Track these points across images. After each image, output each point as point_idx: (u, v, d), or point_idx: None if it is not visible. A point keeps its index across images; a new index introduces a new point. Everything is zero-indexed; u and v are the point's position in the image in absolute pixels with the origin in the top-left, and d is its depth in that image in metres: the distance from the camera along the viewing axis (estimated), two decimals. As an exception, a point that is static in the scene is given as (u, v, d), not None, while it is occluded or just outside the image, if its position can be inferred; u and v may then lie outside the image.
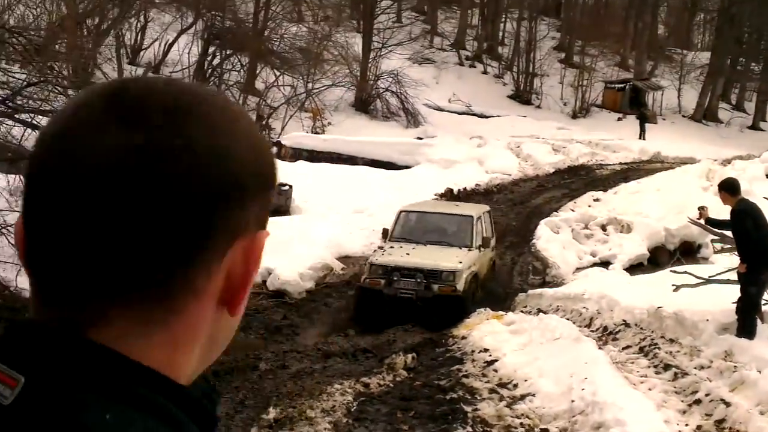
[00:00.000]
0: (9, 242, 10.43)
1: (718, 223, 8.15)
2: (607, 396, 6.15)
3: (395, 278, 11.02)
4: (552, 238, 16.43)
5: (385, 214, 17.94)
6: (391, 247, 12.04)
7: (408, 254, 11.53)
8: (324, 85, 29.71)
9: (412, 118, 32.89)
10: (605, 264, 15.62)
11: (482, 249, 12.21)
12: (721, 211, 8.00)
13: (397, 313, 10.92)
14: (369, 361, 8.58)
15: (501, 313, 10.36)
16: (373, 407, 6.95)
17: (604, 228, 17.28)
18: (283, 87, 28.61)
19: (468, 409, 6.57)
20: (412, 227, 12.80)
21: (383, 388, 7.55)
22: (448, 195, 20.30)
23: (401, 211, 13.11)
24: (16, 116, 9.41)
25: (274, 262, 13.36)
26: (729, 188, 7.82)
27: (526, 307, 11.44)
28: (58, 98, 9.84)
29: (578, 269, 15.21)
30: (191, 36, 28.09)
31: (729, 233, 8.20)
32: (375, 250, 12.77)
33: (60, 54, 12.84)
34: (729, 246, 8.99)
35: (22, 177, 11.05)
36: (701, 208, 8.20)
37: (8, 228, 10.42)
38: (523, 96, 40.04)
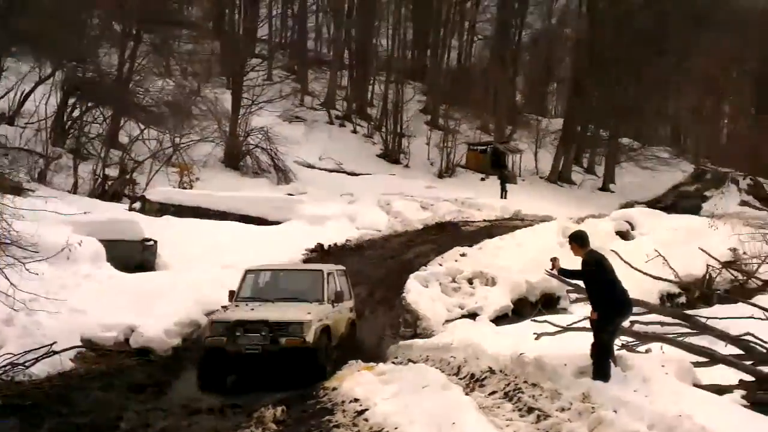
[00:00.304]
0: None
1: (570, 273, 8.58)
2: (475, 440, 6.27)
3: (238, 334, 10.43)
4: (421, 292, 16.76)
5: (256, 270, 17.74)
6: (236, 306, 11.51)
7: (253, 310, 11.08)
8: (192, 140, 29.26)
9: (283, 175, 32.91)
10: (473, 315, 16.10)
11: (336, 304, 11.78)
12: (574, 262, 8.45)
13: (245, 371, 10.54)
14: (237, 417, 8.36)
15: (372, 364, 10.42)
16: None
17: (470, 281, 17.84)
18: (149, 141, 27.94)
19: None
20: (259, 287, 12.42)
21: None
22: (319, 250, 20.35)
23: (247, 271, 12.57)
24: None
25: (138, 320, 12.86)
26: (578, 240, 8.29)
27: (397, 358, 11.56)
28: None
29: (447, 321, 15.57)
30: (49, 86, 27.01)
31: (581, 283, 8.65)
32: (217, 310, 12.15)
33: None
34: (583, 296, 9.49)
35: None
36: (553, 260, 8.62)
37: None
38: (391, 155, 41.04)
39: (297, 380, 10.09)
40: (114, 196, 25.00)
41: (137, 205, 21.91)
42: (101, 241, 15.66)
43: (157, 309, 13.48)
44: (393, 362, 10.98)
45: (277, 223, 22.67)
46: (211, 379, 10.64)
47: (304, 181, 32.86)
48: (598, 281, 7.95)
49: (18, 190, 20.57)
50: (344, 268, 13.65)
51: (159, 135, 28.12)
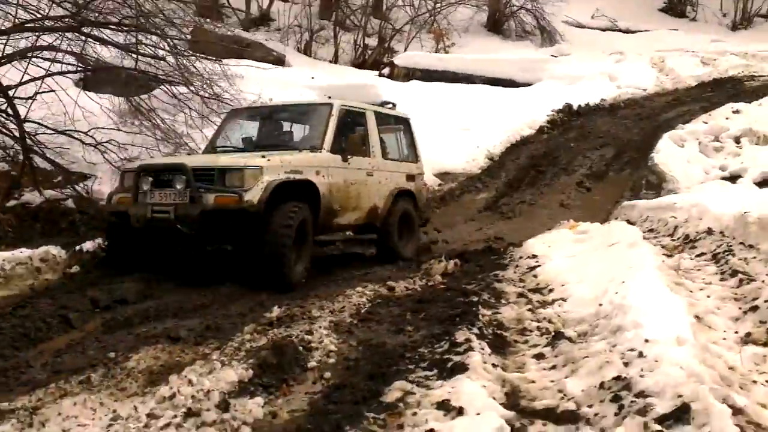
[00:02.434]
0: (104, 158, 10.78)
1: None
2: (635, 299, 5.34)
3: (145, 188, 7.21)
4: (674, 152, 14.97)
5: (495, 132, 17.14)
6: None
7: (190, 155, 8.45)
8: (450, 4, 28.60)
9: (548, 36, 31.06)
10: (734, 178, 14.01)
11: (350, 157, 8.36)
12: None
13: (154, 250, 7.56)
14: (413, 267, 8.19)
15: (576, 223, 9.48)
16: (385, 309, 6.51)
17: (737, 140, 15.50)
18: (408, 7, 27.85)
19: (487, 312, 5.96)
20: (241, 133, 9.14)
21: (408, 292, 7.09)
22: (566, 111, 19.02)
23: (230, 113, 9.57)
24: (84, 29, 9.55)
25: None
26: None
27: (617, 218, 10.44)
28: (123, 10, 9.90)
29: (701, 183, 13.74)
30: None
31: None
32: None
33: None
34: None
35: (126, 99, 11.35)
36: None
37: (104, 145, 10.77)
38: (676, 8, 36.71)
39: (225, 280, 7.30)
40: (373, 65, 25.54)
41: (386, 71, 22.10)
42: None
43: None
44: (609, 222, 9.90)
45: (527, 84, 21.55)
46: (113, 260, 7.73)
47: (570, 42, 30.73)
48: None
49: (281, 62, 21.76)
50: (406, 115, 10.22)
51: (417, 1, 27.87)
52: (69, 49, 9.80)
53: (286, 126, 9.10)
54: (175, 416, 4.19)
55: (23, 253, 7.64)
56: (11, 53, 9.85)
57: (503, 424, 3.90)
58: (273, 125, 9.08)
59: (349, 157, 8.30)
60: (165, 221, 6.94)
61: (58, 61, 9.92)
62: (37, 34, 9.60)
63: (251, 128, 9.13)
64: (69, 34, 9.63)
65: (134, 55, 9.82)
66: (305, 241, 7.41)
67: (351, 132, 8.66)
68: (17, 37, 9.63)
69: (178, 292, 7.05)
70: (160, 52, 9.98)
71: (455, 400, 4.48)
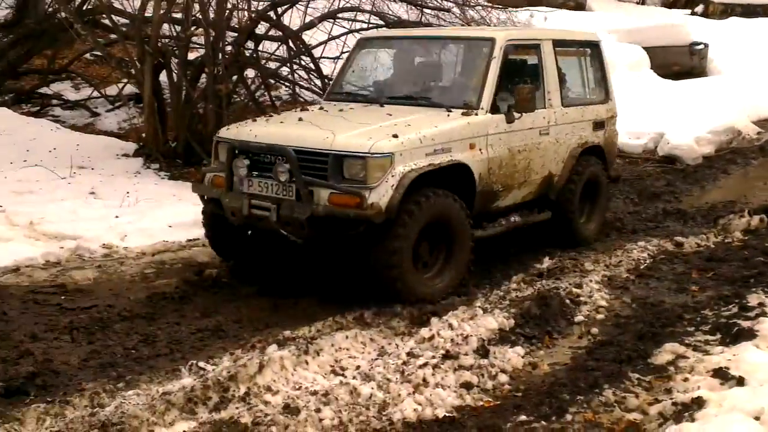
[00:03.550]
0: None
1: None
2: None
3: (243, 174, 5.37)
4: None
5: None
6: (321, 109, 6.20)
7: (300, 121, 5.60)
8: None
9: None
10: None
11: (517, 116, 5.86)
12: None
13: (258, 252, 5.90)
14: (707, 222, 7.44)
15: None
16: (668, 266, 6.00)
17: None
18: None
19: (789, 275, 5.24)
20: (369, 73, 6.93)
21: (698, 248, 6.45)
22: None
23: (359, 41, 6.97)
24: None
25: (668, 126, 12.21)
26: None
27: None
28: None
29: None
30: None
31: None
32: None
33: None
34: None
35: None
36: None
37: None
38: None
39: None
40: (687, 4, 23.50)
41: (699, 8, 20.14)
42: (646, 48, 15.14)
43: (692, 116, 12.56)
44: None
45: None
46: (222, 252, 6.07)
47: None
48: None
49: (581, 7, 20.98)
50: (596, 37, 7.36)
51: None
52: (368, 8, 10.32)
53: (430, 66, 6.60)
54: (433, 357, 4.31)
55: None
56: (320, 15, 10.66)
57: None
58: (413, 65, 6.70)
59: (516, 116, 5.83)
60: (266, 222, 5.20)
61: (358, 20, 10.51)
62: (339, -6, 10.27)
63: (386, 65, 6.87)
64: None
65: (419, 8, 10.06)
66: (448, 242, 5.38)
67: (520, 77, 6.10)
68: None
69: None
70: (447, 4, 10.11)
71: (735, 368, 4.05)
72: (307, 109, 6.17)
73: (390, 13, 10.20)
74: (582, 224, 6.78)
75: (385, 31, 8.98)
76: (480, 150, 5.59)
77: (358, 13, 10.39)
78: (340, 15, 10.23)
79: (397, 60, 6.76)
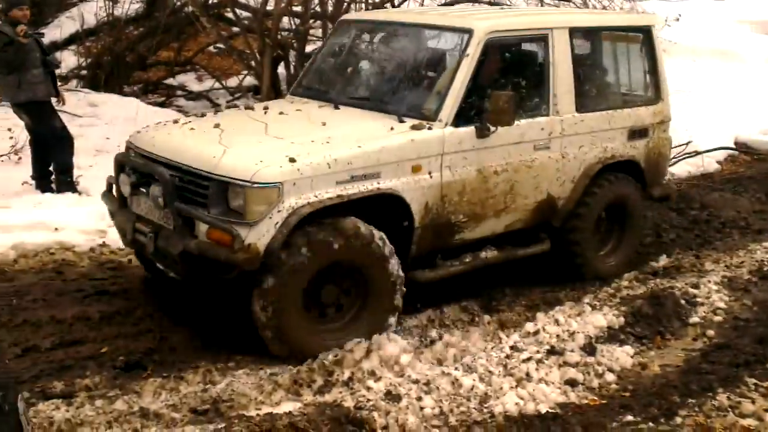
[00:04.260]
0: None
1: None
2: None
3: (128, 192, 4.58)
4: None
5: None
6: (264, 109, 5.10)
7: (215, 129, 4.59)
8: None
9: None
10: None
11: (493, 129, 4.66)
12: None
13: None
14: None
15: None
16: (793, 269, 5.66)
17: None
18: None
19: None
20: (337, 64, 5.60)
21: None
22: None
23: (337, 25, 5.93)
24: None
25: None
26: None
27: None
28: None
29: None
30: None
31: None
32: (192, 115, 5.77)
33: None
34: None
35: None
36: None
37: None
38: None
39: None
40: None
41: None
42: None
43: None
44: None
45: None
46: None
47: None
48: None
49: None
50: (647, 21, 5.99)
51: None
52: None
53: (399, 62, 5.17)
54: (538, 352, 4.25)
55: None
56: (437, 7, 10.66)
57: None
58: (386, 58, 5.34)
59: (491, 129, 4.62)
60: (146, 250, 4.43)
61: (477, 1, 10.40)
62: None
63: (364, 55, 5.58)
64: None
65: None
66: (364, 288, 4.35)
67: (513, 78, 4.94)
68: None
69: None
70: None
71: None
72: (252, 108, 5.14)
73: (509, 3, 10.08)
74: (597, 258, 5.48)
75: (368, 14, 7.34)
76: (429, 173, 4.46)
77: (477, 3, 10.34)
78: (458, 6, 10.20)
79: (371, 51, 5.53)
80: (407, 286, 4.45)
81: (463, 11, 6.32)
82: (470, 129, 4.61)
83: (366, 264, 4.26)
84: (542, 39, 5.06)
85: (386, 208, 4.39)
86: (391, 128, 4.46)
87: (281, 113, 4.88)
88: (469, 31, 4.75)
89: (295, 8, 10.06)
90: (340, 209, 4.17)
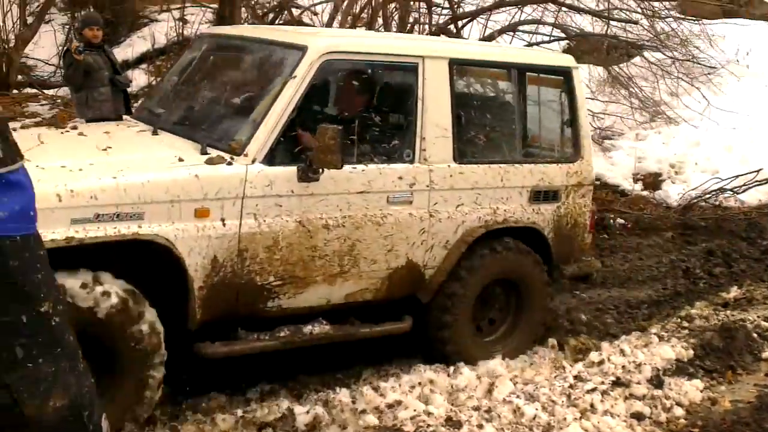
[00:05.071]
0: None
1: None
2: None
3: None
4: None
5: None
6: (105, 132, 4.25)
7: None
8: None
9: None
10: None
11: (320, 171, 3.74)
12: None
13: None
14: None
15: None
16: None
17: None
18: None
19: None
20: (177, 83, 4.81)
21: None
22: None
23: (194, 41, 5.51)
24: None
25: None
26: None
27: None
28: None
29: None
30: None
31: None
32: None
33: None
34: None
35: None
36: None
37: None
38: None
39: None
40: None
41: None
42: None
43: None
44: None
45: None
46: None
47: None
48: None
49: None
50: (565, 62, 4.95)
51: None
52: (550, 21, 10.18)
53: (227, 82, 4.48)
54: (602, 383, 4.15)
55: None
56: (500, 29, 10.61)
57: None
58: (222, 78, 4.60)
59: (318, 171, 3.75)
60: None
61: (539, 33, 10.38)
62: (519, 7, 10.16)
63: (198, 74, 4.73)
64: (548, 6, 10.00)
65: (605, 20, 9.75)
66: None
67: (367, 112, 4.15)
68: (499, 11, 10.35)
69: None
70: (635, 16, 9.72)
71: None
72: (74, 129, 4.38)
73: (573, 25, 9.99)
74: (477, 345, 4.47)
75: (223, 29, 6.35)
76: (222, 221, 3.57)
77: (540, 26, 10.27)
78: (520, 28, 10.15)
79: (208, 69, 4.69)
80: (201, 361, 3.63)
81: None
82: (289, 169, 3.72)
83: (116, 337, 3.31)
84: (410, 69, 4.15)
85: (159, 261, 3.48)
86: (180, 159, 3.58)
87: (81, 134, 4.14)
88: (302, 49, 3.90)
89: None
90: (88, 256, 3.26)
